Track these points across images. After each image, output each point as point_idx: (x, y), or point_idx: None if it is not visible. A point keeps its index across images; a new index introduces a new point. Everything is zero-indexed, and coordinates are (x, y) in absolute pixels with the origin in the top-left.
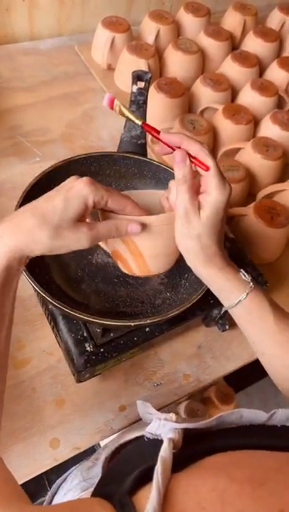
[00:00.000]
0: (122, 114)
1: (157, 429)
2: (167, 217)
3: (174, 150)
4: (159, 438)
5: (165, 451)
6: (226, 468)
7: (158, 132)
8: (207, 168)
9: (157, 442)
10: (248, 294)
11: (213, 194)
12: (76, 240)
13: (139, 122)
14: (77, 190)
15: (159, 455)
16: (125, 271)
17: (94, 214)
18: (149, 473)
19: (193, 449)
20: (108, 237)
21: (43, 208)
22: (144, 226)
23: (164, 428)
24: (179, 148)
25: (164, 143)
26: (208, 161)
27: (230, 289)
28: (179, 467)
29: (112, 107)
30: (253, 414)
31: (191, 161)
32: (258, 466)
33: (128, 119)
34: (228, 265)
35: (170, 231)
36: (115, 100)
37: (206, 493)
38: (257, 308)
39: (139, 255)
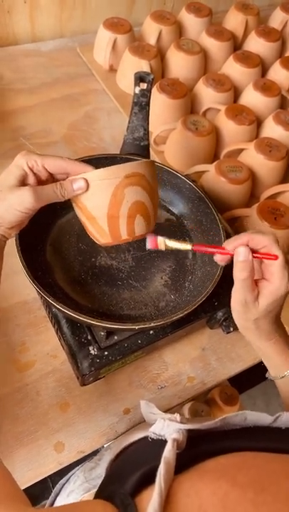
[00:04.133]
0: (168, 248)
1: (162, 430)
2: (107, 172)
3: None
4: (163, 438)
5: (169, 452)
6: (228, 471)
7: (215, 247)
8: (276, 258)
9: (161, 443)
10: None
11: (276, 284)
12: (20, 200)
13: (190, 246)
14: (14, 161)
15: (162, 456)
16: (97, 242)
17: None
18: (152, 473)
19: (196, 450)
20: (56, 197)
21: None
22: (87, 183)
23: (168, 428)
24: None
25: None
26: (277, 251)
27: (279, 362)
28: (182, 468)
29: (156, 246)
30: (257, 417)
31: (254, 256)
32: (261, 470)
33: (179, 249)
34: (281, 338)
35: (113, 187)
36: (158, 239)
37: (208, 497)
38: None
39: (92, 218)
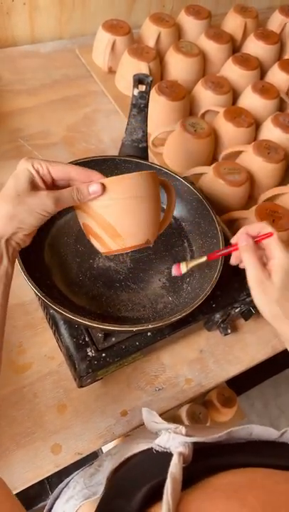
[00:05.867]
0: (190, 267)
1: (167, 442)
2: (124, 179)
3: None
4: (168, 451)
5: (175, 467)
6: (237, 491)
7: (225, 248)
8: (270, 234)
9: (166, 455)
10: None
11: (280, 257)
12: (40, 203)
13: (205, 258)
14: (18, 166)
15: (168, 471)
16: (103, 250)
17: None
18: (159, 489)
19: (204, 463)
20: (73, 201)
21: (0, 192)
22: (104, 187)
23: (173, 441)
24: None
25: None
26: (270, 229)
27: None
28: (189, 483)
29: (180, 273)
30: (263, 431)
31: (255, 241)
32: (270, 491)
33: (197, 265)
34: None
35: (132, 192)
36: (181, 264)
37: None
38: None
39: (108, 226)
